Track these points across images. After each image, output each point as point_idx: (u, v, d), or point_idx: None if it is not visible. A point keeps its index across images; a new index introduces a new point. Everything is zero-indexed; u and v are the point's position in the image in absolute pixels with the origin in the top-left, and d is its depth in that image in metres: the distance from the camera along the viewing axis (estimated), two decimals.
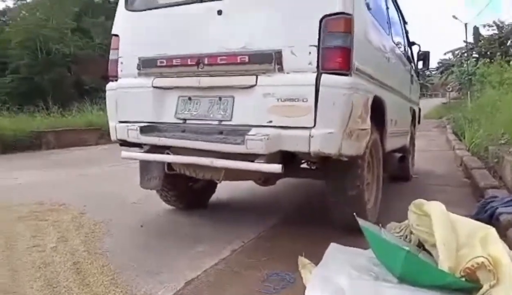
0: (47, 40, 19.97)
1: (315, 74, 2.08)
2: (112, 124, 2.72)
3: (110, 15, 2.85)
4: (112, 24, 2.82)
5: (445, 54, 41.80)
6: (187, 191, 3.14)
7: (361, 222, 1.90)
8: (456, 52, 37.64)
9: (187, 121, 2.42)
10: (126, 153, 2.59)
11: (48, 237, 2.59)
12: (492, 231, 1.68)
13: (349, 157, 2.20)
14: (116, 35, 2.73)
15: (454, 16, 24.65)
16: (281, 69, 2.16)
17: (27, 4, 25.83)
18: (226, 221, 2.95)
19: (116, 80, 2.71)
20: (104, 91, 2.79)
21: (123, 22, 2.75)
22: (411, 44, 4.78)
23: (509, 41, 31.67)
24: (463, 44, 30.59)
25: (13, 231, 2.72)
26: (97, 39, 22.08)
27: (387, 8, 3.49)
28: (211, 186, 3.30)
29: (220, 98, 2.33)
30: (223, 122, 2.30)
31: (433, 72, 42.75)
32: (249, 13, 2.30)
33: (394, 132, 3.27)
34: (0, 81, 19.96)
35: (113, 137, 2.73)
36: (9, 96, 18.02)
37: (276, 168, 2.07)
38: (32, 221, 2.97)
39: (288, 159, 2.27)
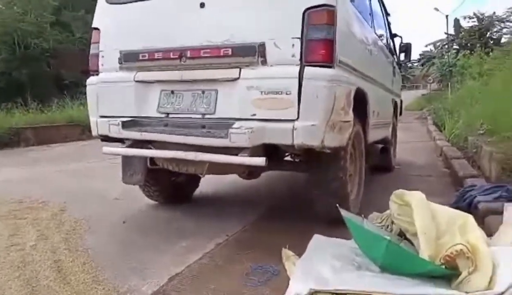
0: (25, 34, 19.45)
1: (298, 67, 2.09)
2: (93, 119, 2.67)
3: (91, 9, 2.79)
4: (92, 17, 2.76)
5: (426, 46, 42.49)
6: (170, 186, 3.12)
7: (343, 213, 1.92)
8: (437, 44, 38.27)
9: (170, 115, 2.40)
10: (107, 148, 2.56)
11: (27, 236, 2.54)
12: (470, 218, 1.71)
13: (332, 148, 2.21)
14: (97, 29, 2.68)
15: (435, 8, 24.99)
16: (264, 62, 2.16)
17: None
18: (210, 215, 2.94)
19: (97, 74, 2.66)
20: (85, 86, 2.74)
21: (104, 15, 2.70)
22: (393, 36, 4.82)
23: (488, 33, 32.36)
24: (444, 36, 31.12)
25: None
26: (77, 33, 21.63)
27: (370, 0, 3.51)
28: (195, 180, 3.27)
29: (203, 92, 2.31)
30: (206, 116, 2.29)
31: (415, 64, 43.36)
32: (232, 5, 2.29)
33: (376, 124, 3.30)
34: None
35: (94, 132, 2.68)
36: None
37: (260, 161, 2.07)
38: (10, 219, 2.89)
39: (272, 152, 2.27)
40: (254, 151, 2.12)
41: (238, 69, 2.20)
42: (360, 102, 2.57)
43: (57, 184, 4.25)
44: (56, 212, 3.08)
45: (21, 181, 4.45)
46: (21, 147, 8.08)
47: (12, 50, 19.15)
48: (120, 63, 2.53)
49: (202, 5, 2.30)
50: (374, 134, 3.25)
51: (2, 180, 4.46)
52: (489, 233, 1.91)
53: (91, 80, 2.70)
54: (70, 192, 3.72)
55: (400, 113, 5.36)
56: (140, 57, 2.45)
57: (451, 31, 30.87)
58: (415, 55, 41.25)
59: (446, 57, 27.64)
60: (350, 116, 2.35)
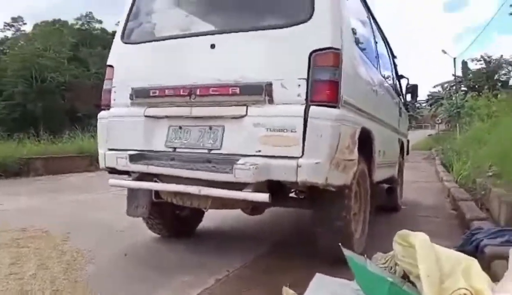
0: (43, 69, 20.25)
1: (303, 106, 2.13)
2: (101, 151, 2.72)
3: (107, 45, 2.93)
4: (109, 53, 2.87)
5: (434, 87, 42.90)
6: (174, 219, 3.11)
7: (346, 252, 1.89)
8: (445, 85, 38.69)
9: (177, 150, 2.44)
10: (114, 180, 2.60)
11: (28, 264, 2.52)
12: (475, 262, 1.67)
13: (336, 187, 2.22)
14: (111, 66, 2.78)
15: (443, 51, 25.32)
16: (271, 101, 2.21)
17: (25, 34, 26.34)
18: (212, 250, 2.91)
19: (108, 109, 2.74)
20: (97, 119, 2.80)
21: (118, 53, 2.81)
22: (399, 77, 4.91)
23: (496, 75, 32.69)
24: (452, 78, 31.44)
25: None
26: (93, 68, 22.47)
27: (376, 42, 3.60)
28: (198, 214, 3.27)
29: (210, 128, 2.36)
30: (212, 151, 2.32)
31: (423, 104, 43.64)
32: (241, 47, 2.37)
33: (382, 163, 3.30)
34: None
35: (101, 165, 2.73)
36: (0, 122, 17.99)
37: (264, 197, 2.09)
38: (13, 248, 2.89)
39: (276, 188, 2.27)
40: (258, 187, 2.13)
41: (245, 107, 2.25)
42: (365, 141, 2.59)
43: (62, 214, 4.26)
44: (58, 242, 3.07)
45: (27, 209, 4.47)
46: (30, 177, 8.17)
47: (29, 83, 19.84)
48: (131, 99, 2.60)
49: (212, 46, 2.40)
50: (380, 174, 3.23)
51: (9, 208, 4.49)
52: (496, 279, 1.85)
53: (102, 114, 2.77)
54: (74, 223, 3.72)
55: (407, 153, 5.36)
56: (151, 94, 2.53)
57: (459, 73, 31.28)
58: (423, 95, 41.68)
59: (454, 98, 27.79)
60: (355, 155, 2.36)
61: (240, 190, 2.12)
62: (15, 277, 2.31)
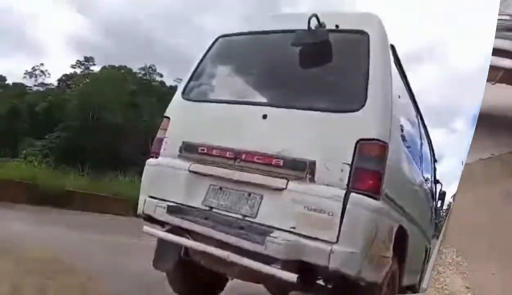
0: (101, 108, 21.50)
1: (344, 191, 2.13)
2: (142, 197, 2.75)
3: (163, 98, 3.13)
4: (164, 106, 3.02)
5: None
6: (196, 282, 3.03)
7: None
8: None
9: (213, 210, 2.46)
10: (148, 228, 2.60)
11: None
12: None
13: (368, 283, 2.12)
14: (168, 117, 2.91)
15: None
16: (312, 179, 2.22)
17: (93, 74, 28.65)
18: None
19: (157, 157, 2.82)
20: (140, 165, 2.90)
21: (177, 107, 2.95)
22: (436, 182, 4.76)
23: None
24: None
25: (18, 285, 2.66)
26: (145, 117, 23.58)
27: (421, 144, 3.57)
28: (221, 283, 3.18)
29: (249, 194, 2.38)
30: (247, 218, 2.32)
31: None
32: (291, 123, 2.45)
33: (411, 269, 3.11)
34: (48, 136, 21.32)
35: (139, 210, 2.74)
36: (51, 150, 19.04)
37: (291, 276, 2.03)
38: (40, 278, 2.90)
39: (305, 272, 2.17)
40: (287, 265, 2.08)
41: (286, 181, 2.27)
42: (400, 241, 2.49)
43: (91, 252, 4.28)
44: (83, 280, 3.05)
45: (60, 241, 4.51)
46: (66, 209, 8.34)
47: (86, 119, 21.01)
48: (180, 151, 2.69)
49: (264, 116, 2.50)
50: (407, 279, 3.03)
51: (43, 237, 4.57)
52: None
53: (150, 161, 2.84)
54: (101, 263, 3.72)
55: (427, 262, 4.96)
56: (199, 150, 2.61)
57: None
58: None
59: None
60: (390, 252, 2.28)
61: (269, 264, 2.08)
62: None
